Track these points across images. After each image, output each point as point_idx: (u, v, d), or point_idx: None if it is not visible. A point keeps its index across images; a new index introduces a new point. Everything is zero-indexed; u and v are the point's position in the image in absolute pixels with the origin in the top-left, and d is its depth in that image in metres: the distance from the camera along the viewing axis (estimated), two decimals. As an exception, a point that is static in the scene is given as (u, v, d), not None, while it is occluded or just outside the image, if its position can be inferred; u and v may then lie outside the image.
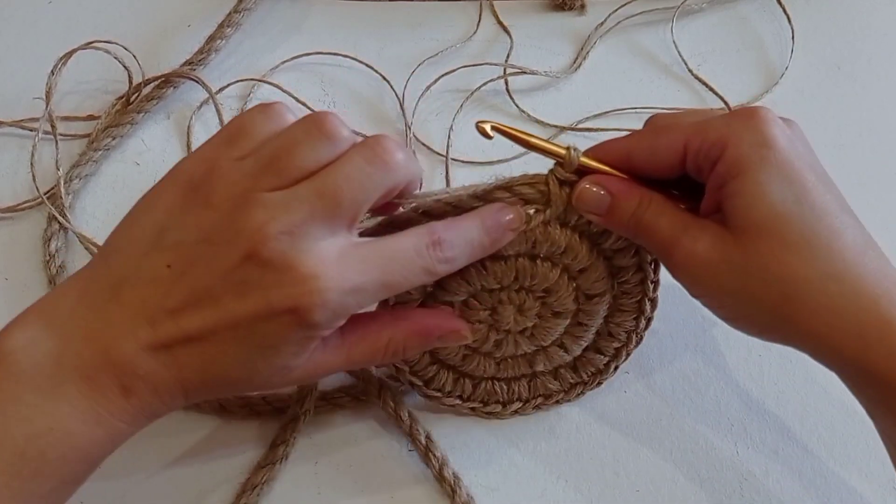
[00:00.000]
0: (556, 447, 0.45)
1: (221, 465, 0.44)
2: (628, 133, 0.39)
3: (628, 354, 0.45)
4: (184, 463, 0.45)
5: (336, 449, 0.45)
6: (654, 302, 0.43)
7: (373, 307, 0.39)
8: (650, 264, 0.41)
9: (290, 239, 0.33)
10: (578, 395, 0.46)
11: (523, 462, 0.45)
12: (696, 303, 0.49)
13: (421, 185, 0.39)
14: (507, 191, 0.38)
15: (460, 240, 0.37)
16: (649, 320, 0.44)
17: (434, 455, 0.44)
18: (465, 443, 0.45)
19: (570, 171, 0.37)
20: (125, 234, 0.36)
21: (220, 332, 0.34)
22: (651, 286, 0.42)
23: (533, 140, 0.38)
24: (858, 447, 0.45)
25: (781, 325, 0.36)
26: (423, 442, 0.44)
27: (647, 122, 0.40)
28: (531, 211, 0.38)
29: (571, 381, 0.46)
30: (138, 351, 0.33)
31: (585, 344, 0.44)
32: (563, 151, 0.37)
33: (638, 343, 0.45)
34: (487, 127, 0.37)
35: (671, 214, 0.37)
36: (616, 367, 0.45)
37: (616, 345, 0.44)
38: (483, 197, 0.38)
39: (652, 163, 0.37)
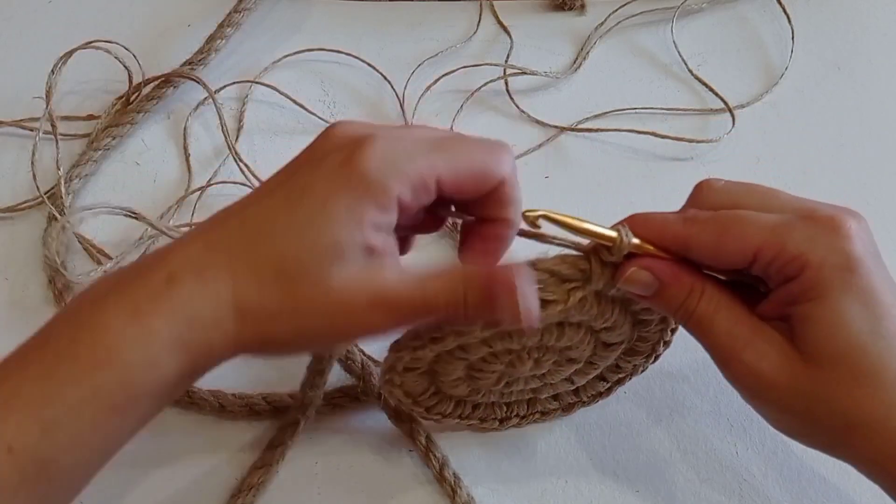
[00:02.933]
0: (556, 448, 0.45)
1: (220, 465, 0.44)
2: (685, 215, 0.36)
3: (631, 379, 0.45)
4: (182, 462, 0.44)
5: (336, 449, 0.45)
6: (667, 344, 0.42)
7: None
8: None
9: None
10: (575, 410, 0.46)
11: (523, 463, 0.45)
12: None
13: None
14: (546, 272, 0.36)
15: None
16: (658, 356, 0.43)
17: (434, 455, 0.44)
18: (465, 443, 0.45)
19: (618, 257, 0.35)
20: None
21: None
22: (669, 333, 0.42)
23: (583, 226, 0.35)
24: (858, 448, 0.45)
25: (839, 447, 0.35)
26: (424, 442, 0.44)
27: (698, 190, 0.38)
28: (569, 287, 0.36)
29: (570, 401, 0.45)
30: None
31: (592, 377, 0.44)
32: (614, 236, 0.35)
33: (641, 372, 0.44)
34: (537, 217, 0.35)
35: (727, 313, 0.35)
36: (616, 390, 0.45)
37: (621, 375, 0.44)
38: None
39: (714, 259, 0.35)
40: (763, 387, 0.35)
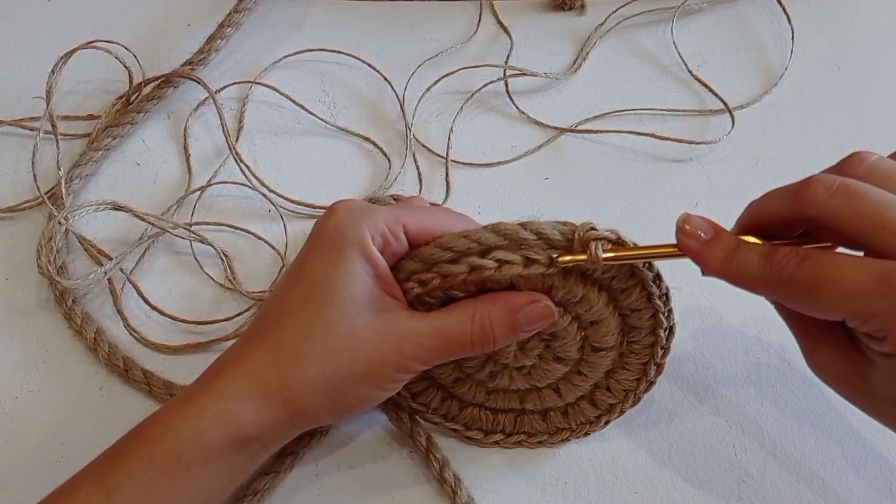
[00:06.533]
0: (555, 449, 0.45)
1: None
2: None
3: (622, 412, 0.44)
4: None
5: (337, 450, 0.45)
6: (659, 368, 0.43)
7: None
8: (665, 331, 0.41)
9: None
10: (562, 441, 0.45)
11: (523, 464, 0.45)
12: (693, 307, 0.49)
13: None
14: (534, 234, 0.37)
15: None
16: (651, 384, 0.43)
17: (435, 457, 0.44)
18: (465, 445, 0.46)
19: (591, 264, 0.37)
20: None
21: None
22: (661, 352, 0.42)
23: (648, 252, 0.37)
24: (855, 449, 0.45)
25: None
26: (424, 444, 0.44)
27: (848, 160, 0.37)
28: (554, 255, 0.37)
29: (558, 425, 0.45)
30: None
31: (581, 393, 0.44)
32: (590, 257, 0.37)
33: (634, 404, 0.44)
34: (600, 254, 0.37)
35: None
36: (607, 422, 0.45)
37: (612, 401, 0.44)
38: (510, 237, 0.37)
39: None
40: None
